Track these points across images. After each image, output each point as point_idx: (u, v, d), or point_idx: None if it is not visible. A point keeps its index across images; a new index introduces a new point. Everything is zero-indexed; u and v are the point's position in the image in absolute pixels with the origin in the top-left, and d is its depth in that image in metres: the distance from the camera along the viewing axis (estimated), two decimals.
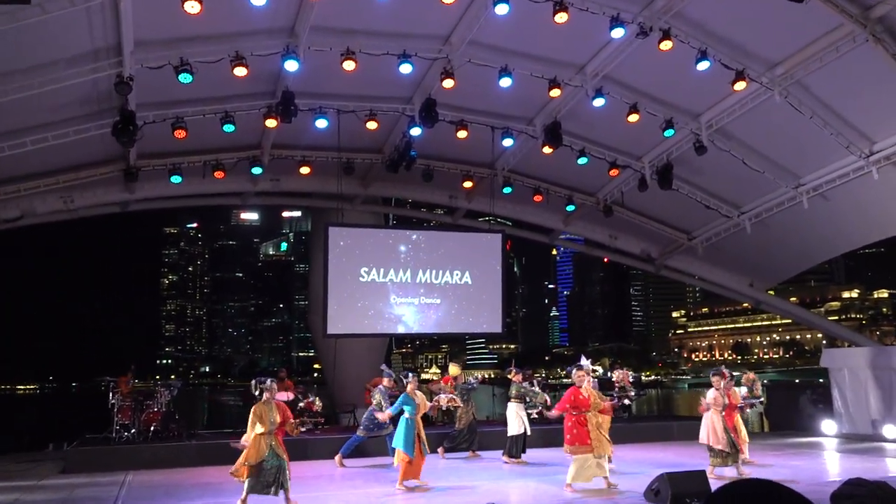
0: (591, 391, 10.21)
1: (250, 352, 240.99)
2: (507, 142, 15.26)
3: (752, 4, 11.61)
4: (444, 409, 13.10)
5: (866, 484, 1.95)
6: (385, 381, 12.81)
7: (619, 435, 12.33)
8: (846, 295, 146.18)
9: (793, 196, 15.58)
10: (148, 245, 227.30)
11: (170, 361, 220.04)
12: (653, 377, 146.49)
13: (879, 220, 15.41)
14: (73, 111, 12.48)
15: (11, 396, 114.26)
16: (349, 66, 12.03)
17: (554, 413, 10.13)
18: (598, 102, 13.46)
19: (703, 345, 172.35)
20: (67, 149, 13.22)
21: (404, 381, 10.92)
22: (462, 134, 14.64)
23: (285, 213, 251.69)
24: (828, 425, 17.00)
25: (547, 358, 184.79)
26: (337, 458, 12.53)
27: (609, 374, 20.86)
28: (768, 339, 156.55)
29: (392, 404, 11.31)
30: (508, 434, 12.72)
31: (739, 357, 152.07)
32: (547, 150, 14.75)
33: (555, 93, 13.28)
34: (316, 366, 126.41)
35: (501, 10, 10.97)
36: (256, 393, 8.65)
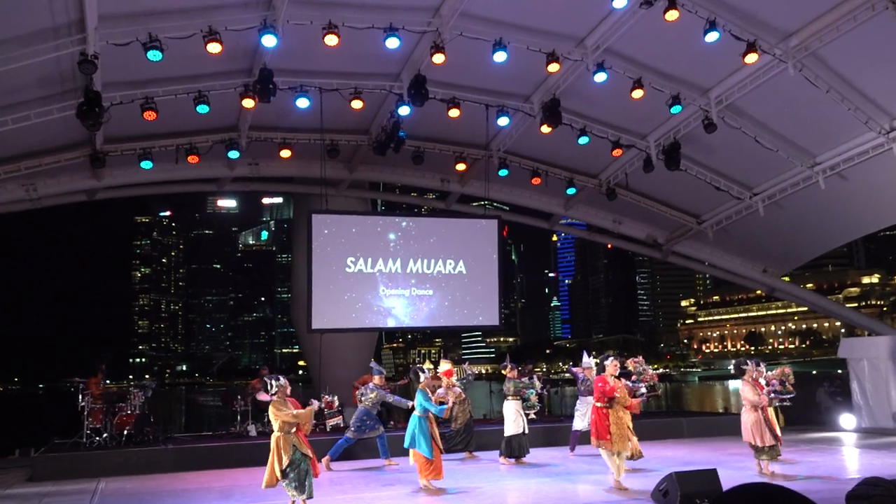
0: (619, 384, 10.29)
1: (230, 349, 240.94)
2: (503, 121, 15.23)
3: None
4: (453, 405, 13.16)
5: (883, 483, 1.97)
6: (375, 379, 12.83)
7: None
8: (866, 280, 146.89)
9: (808, 176, 15.63)
10: (118, 236, 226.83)
11: (143, 360, 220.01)
12: (661, 370, 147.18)
13: None
14: (33, 93, 12.38)
15: None
16: (331, 40, 11.96)
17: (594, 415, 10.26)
18: (600, 77, 13.43)
19: (715, 335, 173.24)
20: (28, 133, 13.14)
21: (420, 375, 10.90)
22: (454, 113, 14.60)
23: (265, 200, 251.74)
24: (846, 419, 17.14)
25: (548, 351, 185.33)
26: (324, 460, 12.55)
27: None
28: (783, 328, 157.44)
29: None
30: (505, 434, 12.78)
31: (753, 348, 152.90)
32: (545, 129, 14.72)
33: (553, 67, 13.25)
34: (301, 363, 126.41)
35: None
36: (271, 393, 8.78)
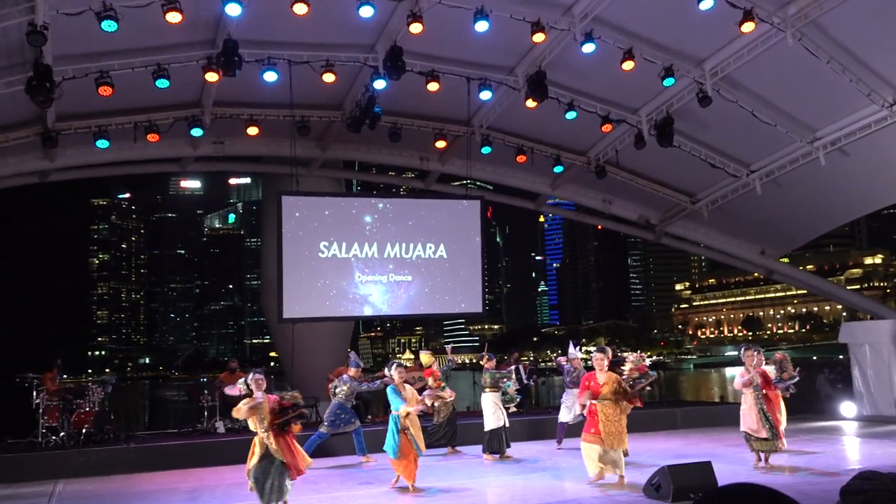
0: (610, 378, 10.30)
1: (196, 340, 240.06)
2: (485, 95, 15.21)
3: None
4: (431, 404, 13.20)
5: (878, 477, 2.01)
6: (351, 371, 12.86)
7: None
8: (869, 261, 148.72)
9: (808, 151, 15.76)
10: (73, 220, 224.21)
11: (103, 353, 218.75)
12: (654, 358, 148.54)
13: None
14: None
15: None
16: (300, 9, 11.86)
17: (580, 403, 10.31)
18: (588, 48, 13.43)
19: (711, 320, 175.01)
20: None
21: (387, 372, 10.85)
22: (433, 86, 14.55)
23: (232, 181, 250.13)
24: (847, 408, 17.41)
25: (535, 339, 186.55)
26: None
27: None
28: (782, 312, 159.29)
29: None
30: (486, 428, 12.86)
31: (751, 333, 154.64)
32: (531, 103, 14.71)
33: (538, 38, 13.23)
34: (272, 354, 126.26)
35: None
36: (241, 388, 8.78)
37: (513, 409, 14.66)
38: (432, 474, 11.63)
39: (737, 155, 17.00)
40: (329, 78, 14.01)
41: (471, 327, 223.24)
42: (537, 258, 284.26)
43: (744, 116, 15.09)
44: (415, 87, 14.67)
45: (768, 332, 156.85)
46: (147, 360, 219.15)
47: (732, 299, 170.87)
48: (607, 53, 13.76)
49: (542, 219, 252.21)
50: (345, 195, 19.17)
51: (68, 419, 13.47)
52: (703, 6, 12.26)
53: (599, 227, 23.26)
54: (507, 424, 12.99)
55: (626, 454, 11.38)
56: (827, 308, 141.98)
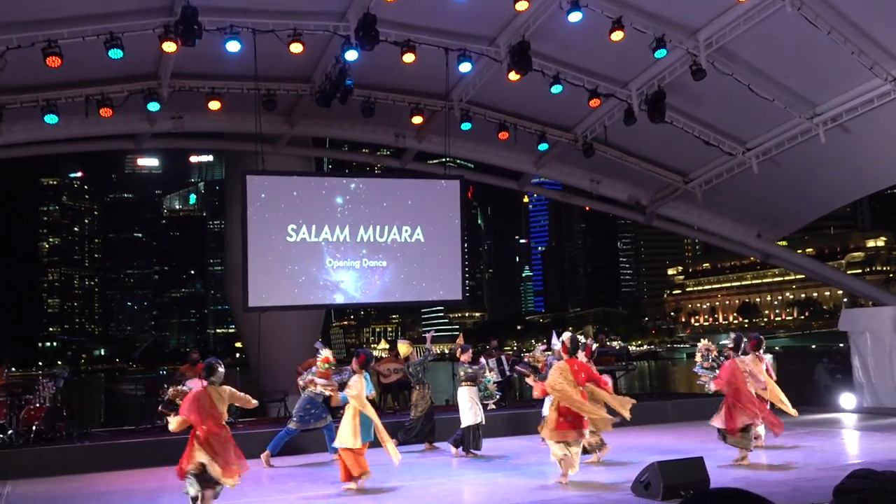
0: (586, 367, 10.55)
1: (155, 330, 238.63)
2: (465, 67, 15.18)
3: None
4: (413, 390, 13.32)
5: (873, 476, 2.04)
6: (319, 362, 12.85)
7: None
8: (871, 244, 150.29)
9: (807, 128, 15.88)
10: (21, 201, 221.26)
11: (55, 344, 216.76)
12: (645, 347, 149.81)
13: None
14: None
15: None
16: None
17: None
18: (575, 17, 13.43)
19: (705, 307, 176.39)
20: None
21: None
22: (409, 58, 14.50)
23: (193, 158, 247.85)
24: (847, 399, 17.65)
25: (519, 327, 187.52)
26: (264, 456, 12.60)
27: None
28: (780, 298, 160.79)
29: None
30: (462, 424, 12.92)
31: (747, 320, 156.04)
32: (514, 76, 14.71)
33: (522, 6, 13.21)
34: (237, 344, 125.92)
35: None
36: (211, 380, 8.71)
37: (491, 406, 14.72)
38: (409, 472, 11.68)
39: (732, 132, 17.10)
40: (297, 48, 13.91)
41: (450, 315, 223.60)
42: (521, 241, 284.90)
43: (740, 91, 15.18)
44: (389, 58, 14.61)
45: (765, 319, 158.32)
46: (102, 352, 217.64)
47: (728, 284, 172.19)
48: (595, 23, 13.77)
49: (526, 199, 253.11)
50: (314, 175, 19.10)
51: (17, 416, 13.37)
52: None
53: (587, 208, 23.35)
54: (483, 422, 13.04)
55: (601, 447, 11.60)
56: (827, 294, 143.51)
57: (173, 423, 8.57)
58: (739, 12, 13.79)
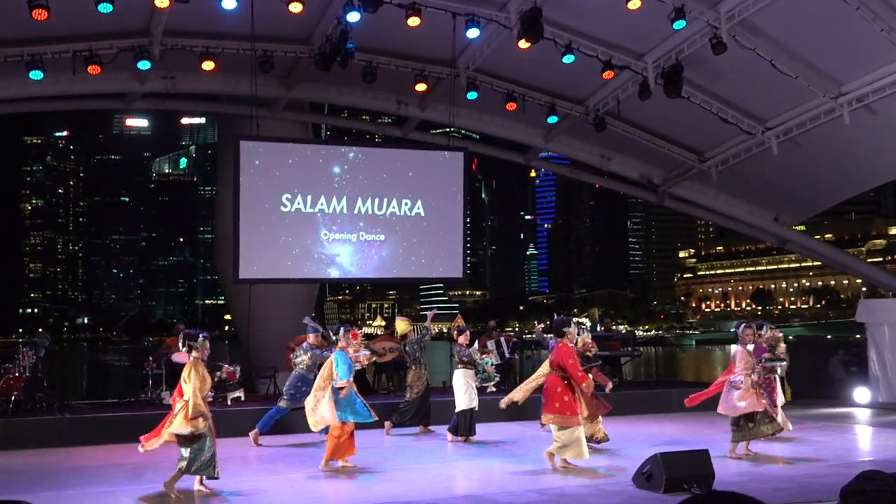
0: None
1: (141, 299, 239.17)
2: (473, 33, 15.08)
3: None
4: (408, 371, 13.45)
5: (881, 477, 2.06)
6: (310, 338, 12.93)
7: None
8: (894, 231, 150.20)
9: (831, 108, 15.81)
10: (3, 160, 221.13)
11: (36, 311, 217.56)
12: (653, 332, 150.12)
13: None
14: None
15: None
16: None
17: (587, 383, 10.44)
18: None
19: (717, 292, 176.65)
20: None
21: (333, 336, 11.07)
22: (414, 21, 14.42)
23: (185, 120, 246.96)
24: (861, 393, 17.71)
25: (521, 308, 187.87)
26: (252, 434, 12.69)
27: (599, 329, 21.29)
28: (796, 285, 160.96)
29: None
30: (456, 409, 12.99)
31: (760, 307, 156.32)
32: (524, 44, 14.63)
33: None
34: (227, 317, 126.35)
35: None
36: (185, 350, 9.07)
37: (491, 389, 14.79)
38: (402, 455, 11.78)
39: (752, 109, 17.03)
40: (296, 7, 13.84)
41: (450, 293, 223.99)
42: (527, 217, 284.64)
43: (761, 66, 15.09)
44: (393, 21, 14.52)
45: (779, 307, 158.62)
46: (86, 321, 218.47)
47: (742, 270, 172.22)
48: None
49: (533, 174, 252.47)
50: (311, 142, 19.08)
51: None
52: None
53: (597, 185, 23.33)
54: (477, 407, 13.11)
55: (604, 440, 11.71)
56: (845, 282, 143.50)
57: None
58: None
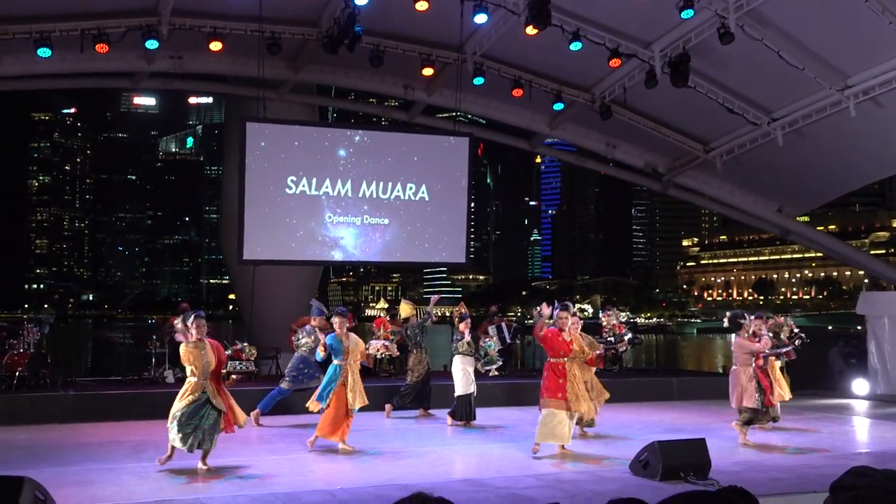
0: (576, 337, 10.64)
1: (146, 277, 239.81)
2: (481, 18, 15.04)
3: None
4: (379, 357, 13.42)
5: (871, 474, 2.07)
6: (314, 321, 12.95)
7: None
8: None
9: (838, 100, 15.76)
10: (11, 135, 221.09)
11: (42, 287, 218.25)
12: (655, 320, 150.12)
13: None
14: None
15: None
16: None
17: (546, 372, 10.42)
18: None
19: (719, 281, 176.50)
20: None
21: (332, 320, 11.11)
22: (422, 6, 14.39)
23: (192, 100, 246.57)
24: (860, 385, 17.74)
25: (524, 293, 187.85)
26: (254, 414, 12.73)
27: (600, 316, 21.30)
28: (798, 275, 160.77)
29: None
30: (455, 394, 13.03)
31: (762, 297, 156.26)
32: (531, 30, 14.58)
33: None
34: (231, 296, 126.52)
35: None
36: (180, 329, 9.42)
37: (494, 373, 14.82)
38: (402, 438, 11.83)
39: (758, 100, 16.98)
40: None
41: (453, 277, 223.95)
42: (531, 203, 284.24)
43: (769, 57, 15.03)
44: (401, 5, 14.52)
45: (781, 297, 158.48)
46: (91, 298, 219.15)
47: (744, 259, 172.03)
48: None
49: (538, 160, 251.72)
50: (317, 124, 19.02)
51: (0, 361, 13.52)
52: None
53: (602, 172, 23.27)
54: (475, 393, 13.14)
55: (593, 424, 11.75)
56: (847, 273, 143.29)
57: None
58: None
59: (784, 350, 12.78)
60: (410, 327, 14.24)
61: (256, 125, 15.95)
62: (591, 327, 16.72)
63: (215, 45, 15.61)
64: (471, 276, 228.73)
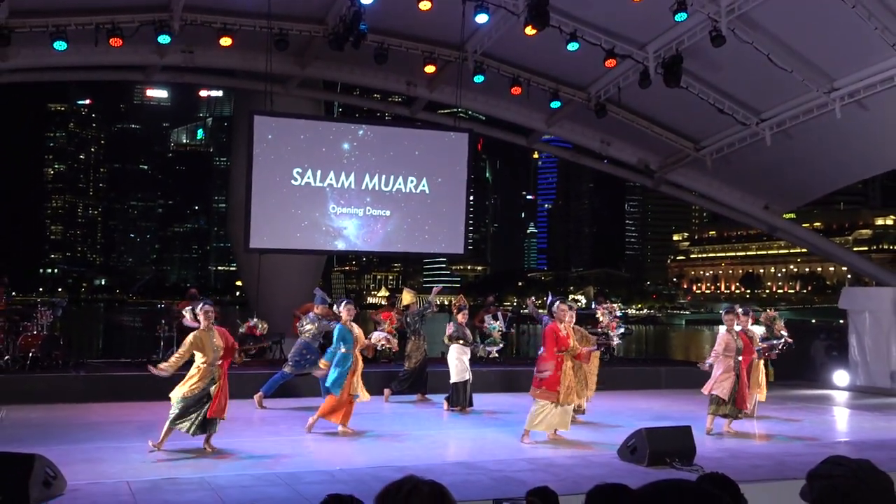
0: (570, 330, 10.59)
1: (157, 263, 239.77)
2: (482, 18, 15.00)
3: None
4: (379, 348, 13.39)
5: (847, 463, 2.08)
6: (318, 308, 12.95)
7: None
8: (880, 222, 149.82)
9: (824, 102, 15.72)
10: (28, 125, 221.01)
11: (56, 272, 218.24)
12: (645, 311, 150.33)
13: None
14: None
15: None
16: None
17: (547, 364, 10.34)
18: None
19: (708, 274, 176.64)
20: None
21: (336, 309, 11.09)
22: (425, 5, 14.33)
23: (203, 93, 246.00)
24: (840, 376, 17.77)
25: (520, 284, 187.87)
26: (257, 397, 12.76)
27: (594, 307, 21.30)
28: (784, 270, 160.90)
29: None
30: (451, 381, 13.03)
31: (749, 290, 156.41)
32: (530, 30, 14.54)
33: None
34: (238, 283, 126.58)
35: None
36: (189, 317, 9.35)
37: (494, 354, 14.88)
38: (399, 421, 11.85)
39: (748, 101, 16.95)
40: None
41: (452, 267, 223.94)
42: (528, 197, 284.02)
43: (759, 60, 15.00)
44: (405, 4, 14.48)
45: (767, 291, 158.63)
46: (103, 282, 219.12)
47: (732, 254, 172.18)
48: None
49: (536, 156, 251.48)
50: (322, 118, 18.99)
51: (14, 342, 13.52)
52: None
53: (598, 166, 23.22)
54: (471, 379, 13.15)
55: (582, 411, 11.76)
56: (831, 269, 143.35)
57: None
58: None
59: (777, 343, 12.79)
60: (410, 314, 14.25)
61: (264, 118, 15.92)
62: (584, 318, 16.71)
63: (225, 41, 15.56)
64: (469, 267, 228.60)
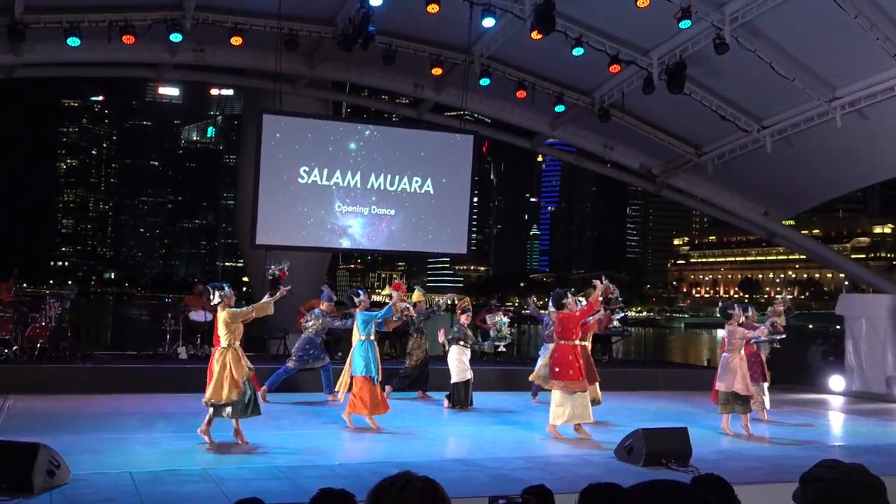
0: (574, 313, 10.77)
1: (165, 258, 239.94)
2: (488, 22, 14.99)
3: None
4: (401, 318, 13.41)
5: (839, 467, 2.06)
6: (323, 305, 12.94)
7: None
8: (878, 230, 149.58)
9: (825, 111, 15.68)
10: (41, 120, 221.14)
11: (66, 264, 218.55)
12: (645, 314, 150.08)
13: None
14: None
15: None
16: None
17: (559, 354, 10.39)
18: None
19: (707, 279, 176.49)
20: None
21: (355, 300, 11.07)
22: (433, 8, 14.31)
23: (213, 91, 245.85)
24: (836, 381, 17.71)
25: (522, 284, 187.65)
26: (261, 391, 12.72)
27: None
28: (782, 276, 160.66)
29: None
30: (451, 380, 13.01)
31: (747, 295, 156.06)
32: (536, 35, 14.51)
33: None
34: (245, 279, 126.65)
35: None
36: (214, 300, 9.41)
37: (502, 349, 14.88)
38: (399, 418, 11.81)
39: (749, 108, 16.92)
40: None
41: (455, 267, 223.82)
42: (531, 199, 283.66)
43: (761, 68, 14.97)
44: (413, 7, 14.44)
45: (766, 296, 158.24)
46: (112, 276, 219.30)
47: (732, 259, 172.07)
48: None
49: (539, 158, 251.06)
50: (330, 118, 18.98)
51: (22, 333, 13.52)
52: None
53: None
54: (472, 378, 13.13)
55: (598, 402, 11.77)
56: (829, 276, 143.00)
57: None
58: None
59: (778, 338, 12.78)
60: (416, 312, 14.23)
61: (273, 117, 15.94)
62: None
63: (236, 40, 15.57)
64: (472, 267, 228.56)
